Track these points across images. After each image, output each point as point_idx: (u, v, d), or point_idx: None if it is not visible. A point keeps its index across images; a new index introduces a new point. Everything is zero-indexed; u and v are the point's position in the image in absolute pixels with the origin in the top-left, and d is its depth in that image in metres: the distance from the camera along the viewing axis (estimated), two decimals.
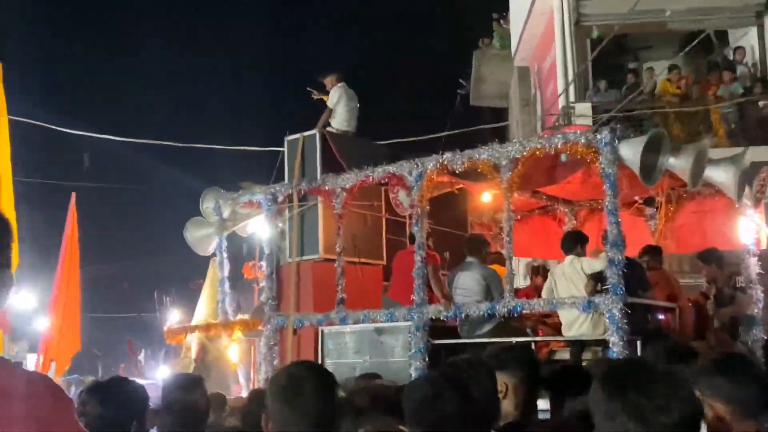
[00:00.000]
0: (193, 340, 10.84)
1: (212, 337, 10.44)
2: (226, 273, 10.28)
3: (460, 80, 23.35)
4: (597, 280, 7.25)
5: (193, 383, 4.49)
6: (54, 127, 11.98)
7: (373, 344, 8.20)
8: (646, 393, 1.87)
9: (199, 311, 12.21)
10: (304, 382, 2.44)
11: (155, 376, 19.00)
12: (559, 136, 7.56)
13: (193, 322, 11.88)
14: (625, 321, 6.60)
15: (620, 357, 6.39)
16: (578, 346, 7.62)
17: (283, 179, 10.13)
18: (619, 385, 1.92)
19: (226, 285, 10.31)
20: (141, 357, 23.21)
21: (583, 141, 7.04)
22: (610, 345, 6.63)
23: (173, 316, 18.35)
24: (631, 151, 6.87)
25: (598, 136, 6.96)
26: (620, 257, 6.79)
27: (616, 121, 10.60)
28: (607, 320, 6.70)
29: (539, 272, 10.01)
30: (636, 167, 6.87)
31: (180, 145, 11.45)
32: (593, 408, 1.97)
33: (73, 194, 11.83)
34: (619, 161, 6.91)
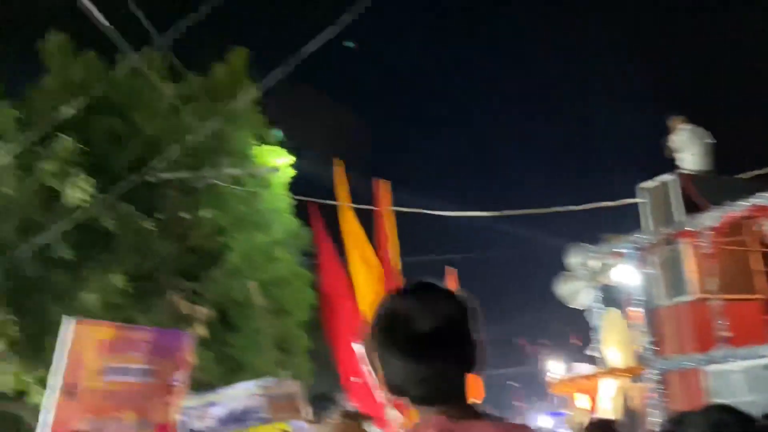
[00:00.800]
0: (608, 388, 10.75)
1: (631, 384, 10.33)
2: (600, 322, 10.36)
3: None
4: None
5: (607, 429, 4.62)
6: (431, 211, 13.01)
7: (766, 381, 7.67)
8: None
9: (608, 359, 12.19)
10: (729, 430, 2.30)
11: (538, 425, 19.29)
12: None
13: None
14: None
15: None
16: None
17: (641, 226, 10.01)
18: None
19: (600, 333, 10.38)
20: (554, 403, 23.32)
21: None
22: None
23: (555, 368, 18.66)
24: None
25: None
26: None
27: None
28: None
29: None
30: None
31: (542, 211, 11.83)
32: None
33: (449, 268, 12.46)
34: None
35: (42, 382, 9.80)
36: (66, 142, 11.32)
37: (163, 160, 11.40)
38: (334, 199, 9.20)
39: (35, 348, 10.81)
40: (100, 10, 8.73)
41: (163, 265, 12.38)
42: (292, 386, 8.04)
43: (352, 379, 8.10)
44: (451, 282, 12.36)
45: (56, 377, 6.37)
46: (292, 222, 14.02)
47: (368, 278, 8.01)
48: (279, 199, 13.84)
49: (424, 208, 13.04)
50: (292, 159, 13.86)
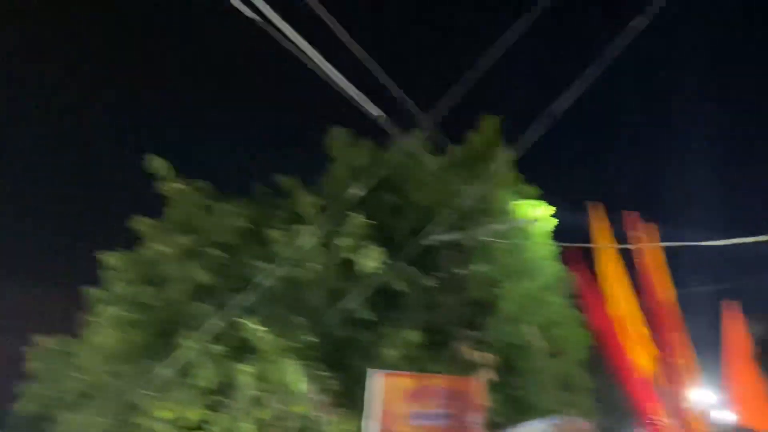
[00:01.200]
0: None
1: None
2: None
3: None
4: None
5: None
6: (697, 243, 12.35)
7: None
8: None
9: None
10: None
11: None
12: None
13: None
14: None
15: None
16: None
17: None
18: None
19: None
20: None
21: None
22: None
23: None
24: None
25: None
26: None
27: None
28: None
29: None
30: None
31: None
32: None
33: (728, 302, 11.69)
34: None
35: (359, 430, 10.84)
36: (357, 219, 12.55)
37: (437, 225, 12.23)
38: (593, 242, 9.27)
39: (349, 399, 11.94)
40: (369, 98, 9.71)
41: (448, 318, 13.11)
42: (581, 424, 8.13)
43: (648, 416, 8.01)
44: (732, 317, 11.56)
45: (373, 424, 7.17)
46: (556, 267, 14.28)
47: (630, 316, 8.00)
48: (542, 247, 14.11)
49: (689, 240, 12.43)
50: (551, 209, 14.09)
